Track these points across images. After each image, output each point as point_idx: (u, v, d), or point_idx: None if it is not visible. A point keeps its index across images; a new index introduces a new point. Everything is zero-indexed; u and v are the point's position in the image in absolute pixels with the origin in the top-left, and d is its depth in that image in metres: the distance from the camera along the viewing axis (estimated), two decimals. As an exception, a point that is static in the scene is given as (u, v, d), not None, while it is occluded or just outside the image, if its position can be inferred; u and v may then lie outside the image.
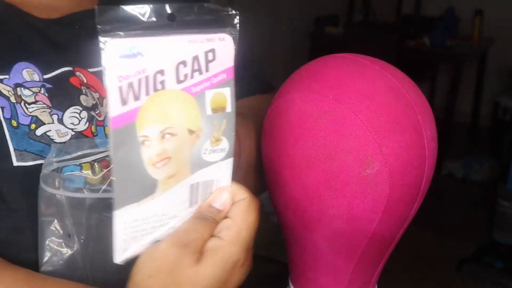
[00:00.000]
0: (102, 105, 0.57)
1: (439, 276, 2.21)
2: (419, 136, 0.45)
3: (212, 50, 0.41)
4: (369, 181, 0.44)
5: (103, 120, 0.56)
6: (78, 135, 0.53)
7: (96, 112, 0.56)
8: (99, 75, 0.58)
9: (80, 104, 0.55)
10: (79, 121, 0.54)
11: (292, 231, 0.51)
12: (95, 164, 0.51)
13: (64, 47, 0.57)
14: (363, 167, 0.44)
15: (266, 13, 3.15)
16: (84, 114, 0.55)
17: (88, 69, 0.57)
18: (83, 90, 0.55)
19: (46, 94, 0.54)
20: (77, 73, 0.56)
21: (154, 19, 0.39)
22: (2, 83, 0.52)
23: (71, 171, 0.50)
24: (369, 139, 0.43)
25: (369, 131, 0.44)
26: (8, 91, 0.52)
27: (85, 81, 0.57)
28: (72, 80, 0.56)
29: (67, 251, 0.50)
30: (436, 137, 0.47)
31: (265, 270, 2.19)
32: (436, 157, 0.48)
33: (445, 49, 3.26)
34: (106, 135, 0.55)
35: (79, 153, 0.52)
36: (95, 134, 0.54)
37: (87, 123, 0.54)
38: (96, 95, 0.57)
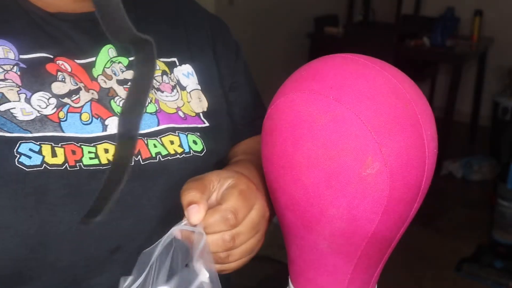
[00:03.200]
0: (87, 91, 0.58)
1: (439, 276, 2.22)
2: (419, 136, 0.45)
3: None
4: (369, 181, 0.44)
5: (81, 107, 0.57)
6: (43, 118, 0.55)
7: (73, 99, 0.57)
8: (86, 66, 0.60)
9: (49, 91, 0.56)
10: (47, 106, 0.56)
11: (292, 231, 0.51)
12: (56, 147, 0.53)
13: (52, 37, 0.59)
14: (363, 167, 0.44)
15: (266, 13, 3.16)
16: (53, 100, 0.56)
17: (76, 60, 0.59)
18: (60, 77, 0.57)
19: (19, 73, 0.56)
20: (59, 62, 0.58)
21: None
22: None
23: (29, 148, 0.53)
24: (369, 139, 0.44)
25: (369, 131, 0.44)
26: None
27: (69, 70, 0.58)
28: (49, 66, 0.57)
29: None
30: (436, 137, 0.47)
31: (265, 270, 2.19)
32: (436, 157, 0.48)
33: (444, 49, 3.26)
34: (81, 121, 0.57)
35: (41, 134, 0.54)
36: (62, 119, 0.56)
37: (55, 108, 0.56)
38: (81, 84, 0.58)
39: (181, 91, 0.65)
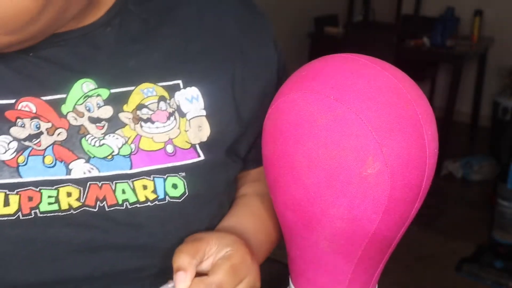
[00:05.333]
0: (51, 134, 0.55)
1: (439, 276, 2.21)
2: (419, 136, 0.45)
3: None
4: (370, 181, 0.44)
5: (44, 150, 0.54)
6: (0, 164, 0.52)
7: (34, 142, 0.54)
8: (54, 103, 0.55)
9: (9, 134, 0.53)
10: (6, 150, 0.53)
11: (293, 231, 0.51)
12: (10, 194, 0.51)
13: (19, 73, 0.55)
14: (364, 167, 0.44)
15: (265, 12, 3.15)
16: (14, 144, 0.53)
17: (42, 97, 0.55)
18: (19, 123, 0.54)
19: None
20: (23, 103, 0.54)
21: None
22: None
23: None
24: (370, 139, 0.43)
25: (370, 131, 0.44)
26: None
27: (33, 111, 0.54)
28: (8, 113, 0.54)
29: None
30: (436, 137, 0.47)
31: (265, 270, 2.19)
32: (437, 157, 0.48)
33: (444, 49, 3.26)
34: (44, 164, 0.53)
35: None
36: (22, 164, 0.53)
37: (15, 153, 0.53)
38: (47, 125, 0.55)
39: (180, 119, 0.59)
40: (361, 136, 0.44)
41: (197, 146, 0.59)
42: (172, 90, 0.59)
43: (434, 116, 0.48)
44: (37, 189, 0.52)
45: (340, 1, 3.97)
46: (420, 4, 3.96)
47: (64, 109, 0.55)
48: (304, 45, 3.57)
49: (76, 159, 0.55)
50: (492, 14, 3.69)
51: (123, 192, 0.55)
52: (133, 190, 0.55)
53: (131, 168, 0.56)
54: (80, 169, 0.54)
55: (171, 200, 0.57)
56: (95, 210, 0.54)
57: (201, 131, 0.60)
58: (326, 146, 0.44)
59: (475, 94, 3.83)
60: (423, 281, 2.18)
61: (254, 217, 0.65)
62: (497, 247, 2.35)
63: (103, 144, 0.56)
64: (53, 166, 0.54)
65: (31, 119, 0.54)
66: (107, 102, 0.57)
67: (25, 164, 0.53)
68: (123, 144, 0.56)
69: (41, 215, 0.52)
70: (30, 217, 0.51)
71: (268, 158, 0.50)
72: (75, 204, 0.53)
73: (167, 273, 0.52)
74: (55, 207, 0.52)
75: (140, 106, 0.58)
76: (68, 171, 0.54)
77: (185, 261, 0.49)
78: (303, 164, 0.46)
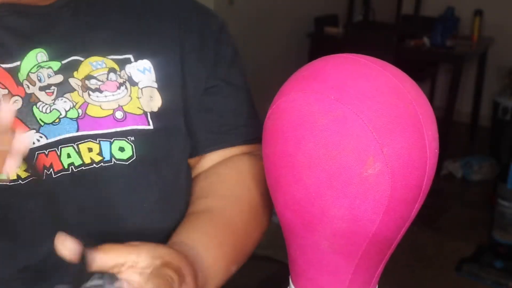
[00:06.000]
0: (8, 102, 0.56)
1: (439, 276, 2.22)
2: (420, 136, 0.45)
3: None
4: (370, 182, 0.44)
5: None
6: None
7: None
8: (11, 71, 0.57)
9: None
10: None
11: (293, 231, 0.51)
12: None
13: None
14: (364, 167, 0.44)
15: (266, 13, 3.16)
16: None
17: (1, 65, 0.57)
18: None
19: None
20: None
21: None
22: None
23: None
24: (371, 139, 0.43)
25: (371, 131, 0.44)
26: None
27: None
28: None
29: None
30: (437, 137, 0.47)
31: (265, 270, 2.19)
32: (437, 157, 0.48)
33: (445, 49, 3.26)
34: None
35: None
36: None
37: None
38: (3, 91, 0.55)
39: (131, 87, 0.61)
40: (362, 137, 0.44)
41: (148, 115, 0.61)
42: (123, 63, 0.62)
43: (434, 116, 0.48)
44: None
45: (340, 1, 3.97)
46: (420, 4, 3.97)
47: (20, 76, 0.57)
48: (304, 45, 3.57)
49: (28, 130, 0.55)
50: (492, 14, 3.69)
51: (68, 156, 0.56)
52: (78, 153, 0.56)
53: (77, 131, 0.57)
54: (31, 139, 0.55)
55: (117, 162, 0.57)
56: (43, 178, 0.54)
57: (153, 101, 0.62)
58: (327, 147, 0.44)
59: (475, 94, 3.83)
60: (423, 281, 2.18)
61: (208, 234, 0.62)
62: (497, 247, 2.35)
63: (53, 109, 0.57)
64: None
65: None
66: (57, 72, 0.59)
67: None
68: (70, 108, 0.58)
69: None
70: None
71: (268, 158, 0.50)
72: (24, 174, 0.54)
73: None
74: (3, 177, 0.52)
75: (88, 77, 0.59)
76: None
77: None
78: (304, 164, 0.46)
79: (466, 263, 2.24)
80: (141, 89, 0.62)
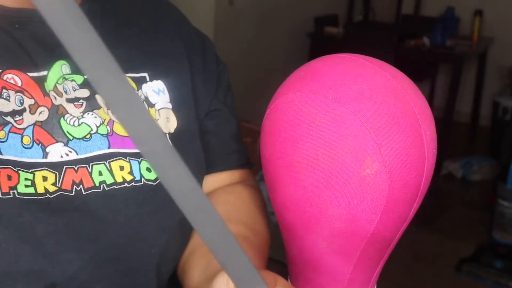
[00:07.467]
0: (33, 113, 0.54)
1: (438, 276, 2.21)
2: (418, 136, 0.45)
3: None
4: (368, 182, 0.44)
5: (23, 129, 0.53)
6: None
7: (16, 119, 0.53)
8: (38, 80, 0.56)
9: None
10: None
11: (292, 231, 0.51)
12: None
13: (5, 47, 0.55)
14: (362, 167, 0.44)
15: (266, 13, 3.16)
16: None
17: (28, 73, 0.55)
18: (4, 94, 0.53)
19: None
20: (8, 75, 0.54)
21: None
22: None
23: None
24: (368, 139, 0.43)
25: (368, 131, 0.44)
26: None
27: (19, 84, 0.54)
28: None
29: None
30: (435, 138, 0.47)
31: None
32: (436, 157, 0.48)
33: (444, 49, 3.26)
34: (22, 144, 0.53)
35: None
36: (2, 139, 0.52)
37: None
38: (30, 101, 0.54)
39: (149, 108, 0.61)
40: (360, 137, 0.44)
41: (167, 136, 0.61)
42: (140, 82, 0.61)
43: (432, 116, 0.48)
44: (15, 169, 0.51)
45: (340, 1, 3.97)
46: (420, 4, 3.96)
47: (47, 87, 0.56)
48: (304, 45, 3.57)
49: (54, 143, 0.54)
50: (492, 14, 3.69)
51: (100, 173, 0.55)
52: (110, 171, 0.56)
53: (109, 148, 0.56)
54: (57, 152, 0.54)
55: (147, 182, 0.57)
56: (72, 194, 0.53)
57: (169, 122, 0.62)
58: (325, 147, 0.44)
59: (475, 94, 3.82)
60: (423, 281, 2.18)
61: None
62: (497, 247, 2.35)
63: (82, 123, 0.56)
64: (30, 148, 0.53)
65: (15, 92, 0.54)
66: (82, 86, 0.58)
67: (5, 141, 0.52)
68: (101, 124, 0.57)
69: (19, 196, 0.51)
70: (8, 196, 0.50)
71: (266, 158, 0.50)
72: (52, 188, 0.53)
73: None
74: (31, 190, 0.51)
75: None
76: (45, 154, 0.53)
77: None
78: (302, 164, 0.46)
79: (466, 263, 2.24)
80: (158, 110, 0.62)
